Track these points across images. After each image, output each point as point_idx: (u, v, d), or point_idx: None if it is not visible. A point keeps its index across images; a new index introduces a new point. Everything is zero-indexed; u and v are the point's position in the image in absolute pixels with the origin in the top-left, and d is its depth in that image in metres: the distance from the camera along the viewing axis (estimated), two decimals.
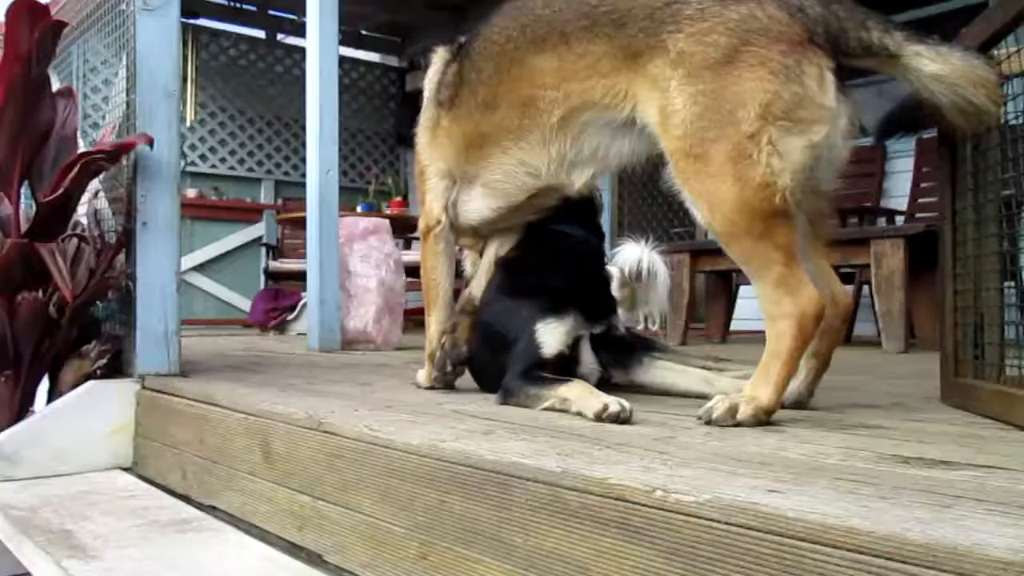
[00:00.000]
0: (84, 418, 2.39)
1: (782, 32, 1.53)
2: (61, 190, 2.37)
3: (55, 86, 3.15)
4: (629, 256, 4.03)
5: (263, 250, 8.31)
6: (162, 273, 2.56)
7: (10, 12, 2.45)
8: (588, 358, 1.93)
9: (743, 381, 1.88)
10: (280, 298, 6.85)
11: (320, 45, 4.13)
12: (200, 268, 8.42)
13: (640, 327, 5.78)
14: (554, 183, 1.92)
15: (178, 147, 2.61)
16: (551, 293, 1.90)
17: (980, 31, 1.63)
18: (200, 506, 2.06)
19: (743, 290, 5.81)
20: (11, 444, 2.29)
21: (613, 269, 3.61)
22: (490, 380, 2.08)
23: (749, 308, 6.11)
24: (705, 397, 1.88)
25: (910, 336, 4.00)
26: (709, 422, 1.54)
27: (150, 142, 2.46)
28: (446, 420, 1.63)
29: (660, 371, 1.98)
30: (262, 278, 8.06)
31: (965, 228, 1.76)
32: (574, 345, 1.89)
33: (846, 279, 5.20)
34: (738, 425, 1.52)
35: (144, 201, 2.53)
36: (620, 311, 3.69)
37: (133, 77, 2.56)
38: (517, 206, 2.02)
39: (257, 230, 8.68)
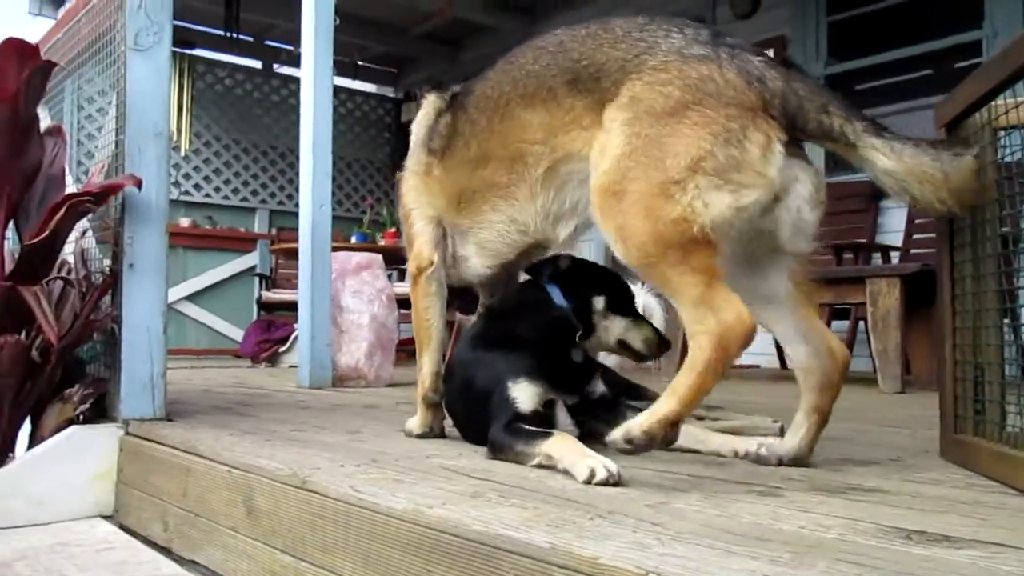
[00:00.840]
0: (64, 465, 2.33)
1: (734, 97, 1.56)
2: (47, 232, 2.34)
3: (46, 122, 3.14)
4: None
5: (256, 280, 8.28)
6: (148, 316, 2.51)
7: None
8: (565, 420, 1.89)
9: (736, 438, 1.84)
10: (272, 329, 6.79)
11: (315, 81, 4.12)
12: (192, 297, 8.37)
13: None
14: (541, 238, 1.93)
15: (167, 188, 2.57)
16: (524, 359, 1.86)
17: (953, 106, 1.63)
18: (181, 560, 2.00)
19: None
20: None
21: None
22: (469, 428, 2.04)
23: None
24: (695, 452, 1.85)
25: (906, 373, 3.96)
26: (625, 443, 1.54)
27: (138, 184, 2.43)
28: (434, 479, 1.59)
29: None
30: (255, 308, 8.02)
31: (964, 281, 1.73)
32: (548, 406, 1.85)
33: (841, 315, 5.18)
34: (632, 444, 1.54)
35: (131, 243, 2.49)
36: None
37: (123, 117, 2.53)
38: (510, 263, 2.04)
39: (251, 259, 8.66)
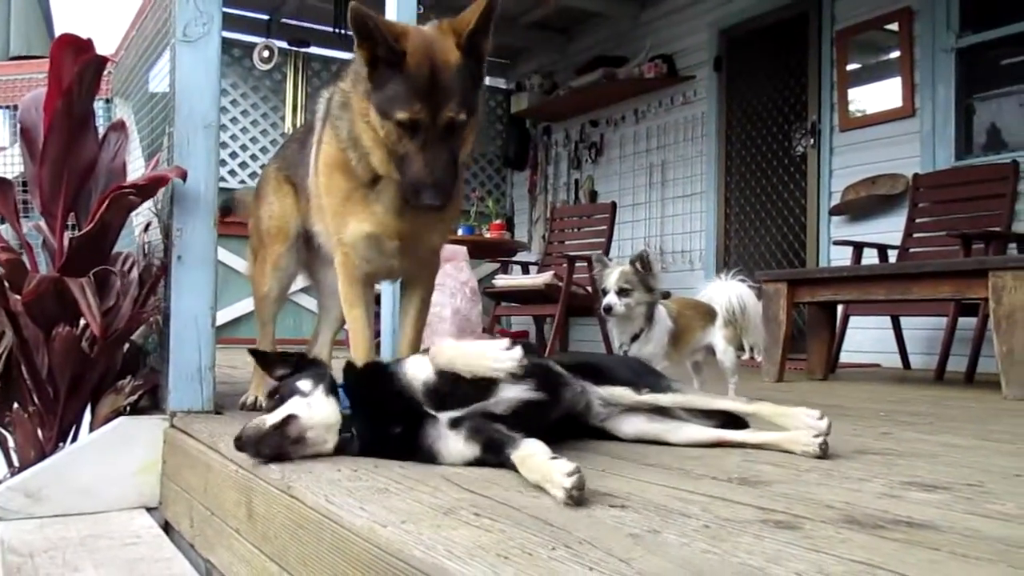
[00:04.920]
0: (110, 456, 2.35)
1: None
2: (93, 223, 2.35)
3: (125, 114, 3.20)
4: (720, 295, 3.67)
5: None
6: (196, 308, 2.50)
7: (54, 47, 2.47)
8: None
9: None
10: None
11: None
12: (308, 289, 8.53)
13: (746, 357, 5.43)
14: None
15: (216, 180, 2.54)
16: None
17: None
18: (201, 559, 1.96)
19: (853, 320, 5.36)
20: (35, 482, 2.27)
21: (717, 307, 3.25)
22: None
23: (862, 339, 5.64)
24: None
25: None
26: None
27: (183, 175, 2.41)
28: (421, 490, 1.45)
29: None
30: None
31: None
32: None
33: (969, 311, 4.69)
34: None
35: (180, 235, 2.48)
36: (720, 345, 3.26)
37: (172, 109, 2.53)
38: None
39: None
